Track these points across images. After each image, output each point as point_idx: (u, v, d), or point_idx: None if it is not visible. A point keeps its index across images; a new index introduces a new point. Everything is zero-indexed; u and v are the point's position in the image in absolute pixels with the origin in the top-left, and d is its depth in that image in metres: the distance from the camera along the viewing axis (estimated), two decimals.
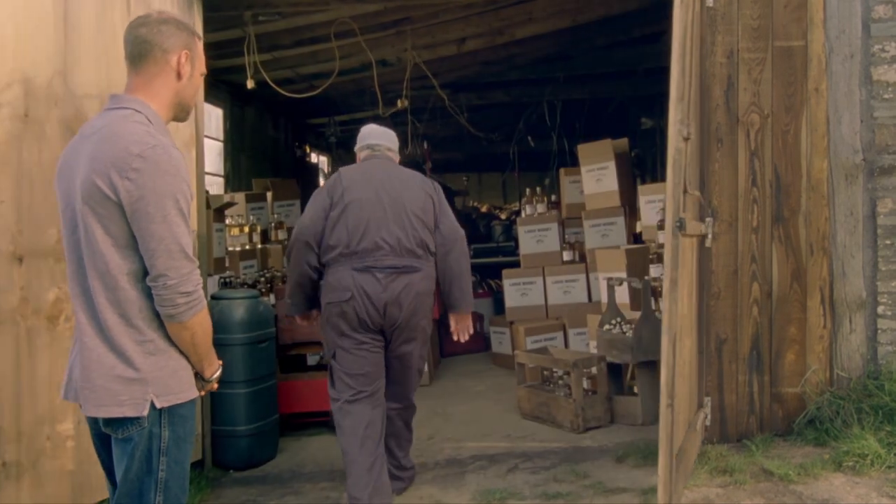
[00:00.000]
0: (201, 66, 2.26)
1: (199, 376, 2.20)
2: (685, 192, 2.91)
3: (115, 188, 1.99)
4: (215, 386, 2.27)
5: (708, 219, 3.98)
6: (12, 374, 3.28)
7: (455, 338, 3.84)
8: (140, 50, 2.14)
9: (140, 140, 2.01)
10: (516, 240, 8.54)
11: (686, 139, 2.88)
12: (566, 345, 6.46)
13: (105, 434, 2.15)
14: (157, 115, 2.15)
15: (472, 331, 3.84)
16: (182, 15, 4.08)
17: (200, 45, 2.27)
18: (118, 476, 2.11)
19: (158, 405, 2.07)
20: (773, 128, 4.15)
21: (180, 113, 2.26)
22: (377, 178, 3.64)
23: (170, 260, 2.00)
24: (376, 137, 3.83)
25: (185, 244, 2.03)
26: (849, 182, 4.15)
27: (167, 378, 2.09)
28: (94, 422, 2.17)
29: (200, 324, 2.10)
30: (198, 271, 2.08)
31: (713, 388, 4.16)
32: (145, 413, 2.05)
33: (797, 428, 4.07)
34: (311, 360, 5.65)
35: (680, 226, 2.84)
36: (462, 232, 3.76)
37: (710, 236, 4.01)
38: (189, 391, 2.15)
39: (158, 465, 2.10)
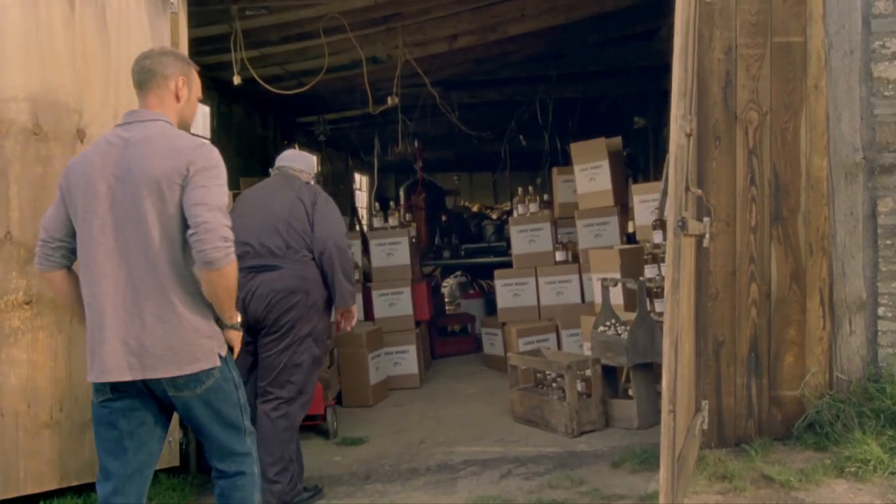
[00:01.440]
0: (197, 91, 2.74)
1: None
2: (687, 189, 2.81)
3: (180, 173, 2.45)
4: (237, 344, 2.69)
5: (706, 218, 3.88)
6: None
7: (338, 328, 4.04)
8: (145, 77, 2.63)
9: (189, 140, 2.58)
10: (508, 240, 8.44)
11: (689, 135, 2.78)
12: (559, 346, 6.37)
13: (117, 410, 2.52)
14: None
15: (353, 322, 3.97)
16: (151, 8, 3.99)
17: (196, 73, 2.74)
18: (204, 430, 2.58)
19: (223, 354, 2.58)
20: (772, 125, 4.05)
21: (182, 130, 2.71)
22: (259, 193, 4.02)
23: (210, 212, 2.41)
24: (286, 160, 4.15)
25: (223, 206, 2.46)
26: (849, 181, 4.07)
27: (218, 333, 2.59)
28: (122, 392, 2.51)
29: (233, 272, 2.50)
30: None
31: (710, 392, 4.07)
32: (219, 363, 2.55)
33: (796, 432, 3.99)
34: None
35: (682, 225, 2.74)
36: (337, 234, 3.85)
37: (707, 236, 3.91)
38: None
39: (239, 397, 2.65)
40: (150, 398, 2.54)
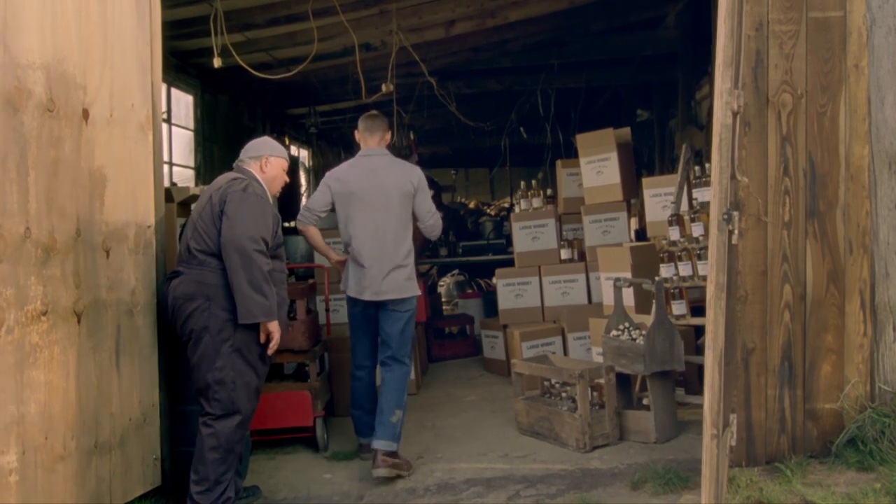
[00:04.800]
0: None
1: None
2: (733, 177, 2.42)
3: (413, 187, 4.30)
4: None
5: (734, 212, 3.49)
6: None
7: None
8: (375, 128, 4.39)
9: (410, 166, 4.44)
10: (507, 237, 8.05)
11: (736, 113, 2.39)
12: (565, 351, 5.99)
13: (376, 316, 4.33)
14: None
15: (274, 343, 3.48)
16: None
17: None
18: (396, 332, 4.25)
19: (419, 293, 4.40)
20: (808, 109, 3.68)
21: None
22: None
23: (434, 213, 4.42)
24: (243, 151, 3.81)
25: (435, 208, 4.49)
26: (893, 171, 3.70)
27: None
28: (378, 307, 4.31)
29: None
30: None
31: (739, 404, 3.69)
32: (418, 293, 4.37)
33: (836, 449, 3.61)
34: (288, 368, 5.13)
35: (727, 219, 2.36)
36: (241, 236, 3.38)
37: (736, 232, 3.52)
38: None
39: (413, 327, 4.38)
40: (377, 311, 4.28)
